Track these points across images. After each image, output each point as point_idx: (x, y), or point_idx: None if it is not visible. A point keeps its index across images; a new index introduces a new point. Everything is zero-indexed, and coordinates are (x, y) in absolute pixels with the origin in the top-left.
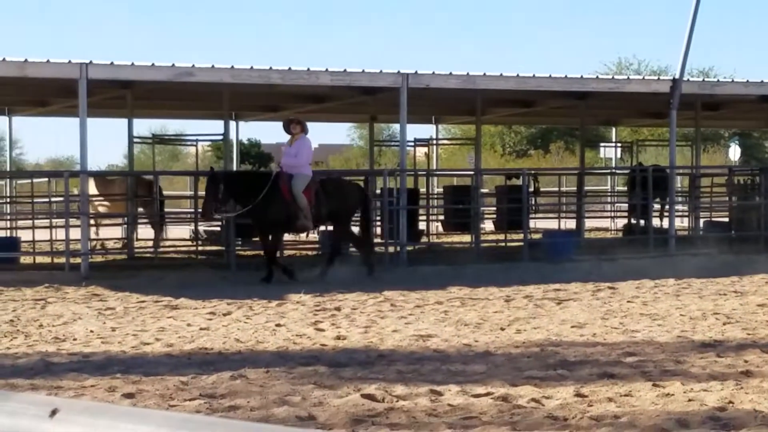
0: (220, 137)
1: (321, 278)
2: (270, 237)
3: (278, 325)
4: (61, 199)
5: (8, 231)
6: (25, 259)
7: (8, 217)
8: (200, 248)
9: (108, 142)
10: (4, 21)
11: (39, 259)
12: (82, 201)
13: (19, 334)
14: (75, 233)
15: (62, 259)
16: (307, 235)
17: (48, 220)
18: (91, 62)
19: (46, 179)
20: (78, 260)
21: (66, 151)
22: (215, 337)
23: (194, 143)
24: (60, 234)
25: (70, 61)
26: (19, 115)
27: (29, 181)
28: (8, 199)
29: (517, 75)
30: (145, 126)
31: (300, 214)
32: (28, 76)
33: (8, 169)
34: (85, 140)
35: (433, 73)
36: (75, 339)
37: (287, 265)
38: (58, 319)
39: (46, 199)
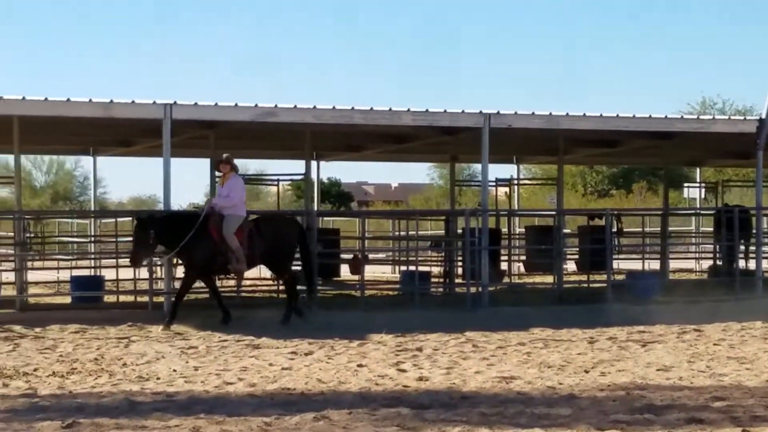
0: (301, 176)
1: (284, 323)
2: (206, 280)
3: (360, 365)
4: None
5: (92, 270)
6: (109, 298)
7: (92, 256)
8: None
9: (190, 181)
10: (91, 62)
11: (122, 298)
12: None
13: (104, 372)
14: (158, 272)
15: (145, 298)
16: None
17: None
18: (175, 103)
19: (130, 218)
20: (161, 299)
21: (148, 190)
22: (297, 377)
23: (275, 183)
24: (143, 273)
25: (154, 102)
26: (103, 155)
27: (113, 220)
28: (92, 238)
29: (600, 115)
30: None
31: (231, 257)
32: (114, 116)
33: (92, 208)
34: (168, 179)
35: (516, 113)
36: (158, 378)
37: (226, 308)
38: (142, 358)
39: (130, 238)
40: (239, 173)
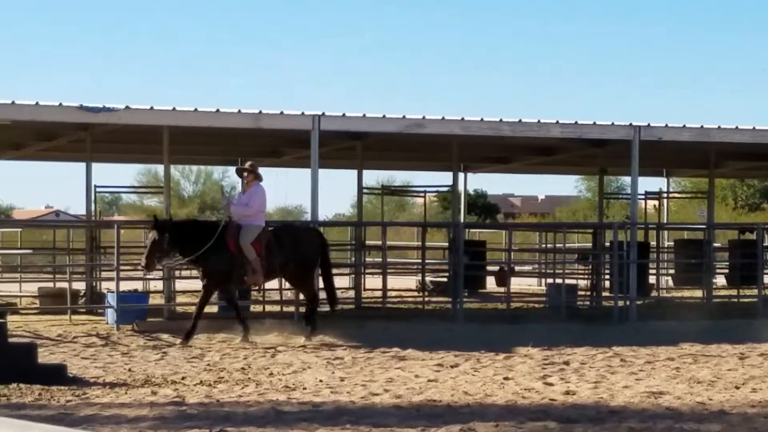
0: (448, 188)
1: (310, 337)
2: (225, 291)
3: (506, 378)
4: None
5: None
6: (255, 308)
7: None
8: (427, 299)
9: (335, 192)
10: (239, 74)
11: (268, 308)
12: None
13: (251, 382)
14: None
15: (291, 308)
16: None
17: None
18: (323, 114)
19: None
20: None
21: (294, 200)
22: (443, 389)
23: (422, 194)
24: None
25: (303, 113)
26: None
27: None
28: None
29: (753, 128)
30: (371, 176)
31: (248, 268)
32: (263, 127)
33: None
34: (316, 190)
35: (666, 125)
36: (305, 388)
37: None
38: (288, 368)
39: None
40: (262, 182)
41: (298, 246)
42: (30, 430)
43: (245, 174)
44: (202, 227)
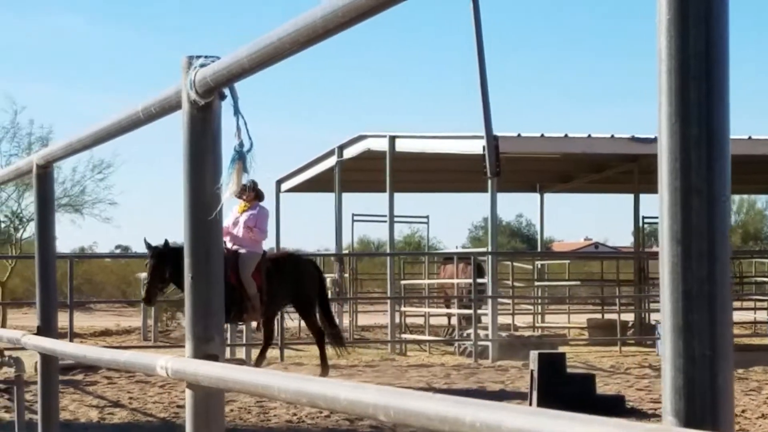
0: None
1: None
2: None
3: None
4: None
5: None
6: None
7: None
8: None
9: None
10: None
11: None
12: None
13: None
14: None
15: None
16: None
17: None
18: None
19: None
20: None
21: None
22: None
23: None
24: None
25: None
26: None
27: None
28: None
29: None
30: None
31: (247, 304)
32: None
33: None
34: None
35: None
36: None
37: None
38: None
39: None
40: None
41: (300, 277)
42: None
43: (245, 193)
44: None
